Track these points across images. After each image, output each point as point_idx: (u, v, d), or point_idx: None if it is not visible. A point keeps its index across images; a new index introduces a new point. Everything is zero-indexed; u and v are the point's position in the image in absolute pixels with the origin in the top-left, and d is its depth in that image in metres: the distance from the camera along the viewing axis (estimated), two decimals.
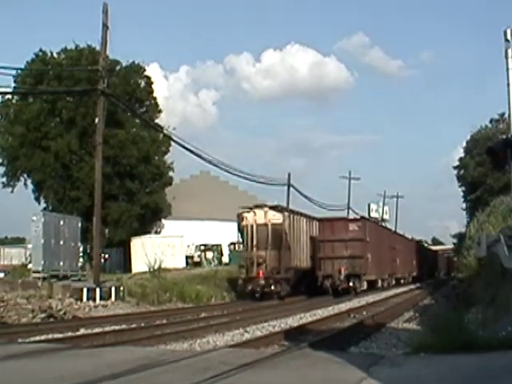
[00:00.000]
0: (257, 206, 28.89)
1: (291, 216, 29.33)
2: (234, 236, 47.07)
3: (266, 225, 27.68)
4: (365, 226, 30.83)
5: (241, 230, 28.77)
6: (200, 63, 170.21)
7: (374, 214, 69.83)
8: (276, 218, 28.05)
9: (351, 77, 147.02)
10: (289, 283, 28.11)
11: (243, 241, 28.72)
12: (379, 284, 32.68)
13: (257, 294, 26.79)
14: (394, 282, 36.71)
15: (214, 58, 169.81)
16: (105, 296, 22.49)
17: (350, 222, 31.59)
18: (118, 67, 41.03)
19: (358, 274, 29.05)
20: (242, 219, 28.51)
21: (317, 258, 29.89)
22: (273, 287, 27.11)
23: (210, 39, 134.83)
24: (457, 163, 55.30)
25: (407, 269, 42.21)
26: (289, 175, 43.72)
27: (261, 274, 26.96)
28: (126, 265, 40.98)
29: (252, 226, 27.79)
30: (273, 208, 28.96)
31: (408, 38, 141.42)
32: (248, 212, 28.40)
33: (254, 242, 27.64)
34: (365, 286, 29.74)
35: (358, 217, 36.94)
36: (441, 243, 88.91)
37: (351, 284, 28.81)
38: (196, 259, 45.89)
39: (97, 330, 15.36)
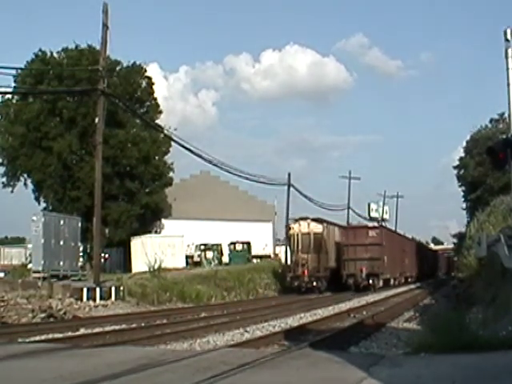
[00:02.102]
0: (301, 219, 35.23)
1: (328, 226, 35.94)
2: (234, 236, 47.47)
3: (308, 234, 33.89)
4: (382, 233, 35.98)
5: (288, 237, 35.33)
6: (199, 64, 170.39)
7: (374, 214, 69.88)
8: (317, 228, 34.37)
9: (350, 77, 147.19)
10: (326, 280, 34.11)
11: (290, 246, 34.95)
12: (392, 282, 36.92)
13: (302, 289, 32.46)
14: (403, 280, 40.48)
15: (213, 59, 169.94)
16: (105, 296, 22.46)
17: (370, 229, 36.39)
18: (118, 67, 41.02)
19: (376, 273, 33.81)
20: (290, 229, 35.30)
21: (341, 259, 34.86)
22: (314, 283, 33.03)
23: (210, 39, 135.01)
24: (457, 163, 55.32)
25: (414, 268, 45.65)
26: (289, 175, 43.77)
27: (305, 273, 32.81)
28: (126, 265, 40.93)
29: (298, 235, 33.97)
30: (314, 220, 35.18)
31: (407, 39, 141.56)
32: (294, 223, 35.11)
33: (300, 247, 33.67)
34: (381, 283, 34.30)
35: (377, 225, 43.10)
36: (441, 243, 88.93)
37: (371, 282, 33.48)
38: (196, 259, 45.84)
39: (97, 329, 15.35)
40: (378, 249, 34.12)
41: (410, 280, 42.94)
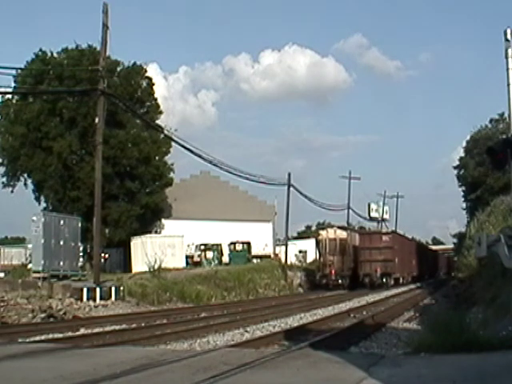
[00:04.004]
0: (329, 226, 44.13)
1: (350, 233, 42.20)
2: (234, 236, 47.44)
3: (335, 239, 40.06)
4: (394, 238, 41.14)
5: (317, 242, 42.28)
6: (199, 64, 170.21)
7: (374, 214, 69.89)
8: (342, 234, 40.81)
9: (350, 77, 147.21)
10: (349, 278, 39.32)
11: (319, 250, 41.49)
12: (401, 281, 41.03)
13: (330, 286, 37.61)
14: (410, 279, 43.97)
15: (212, 59, 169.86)
16: (105, 296, 22.44)
17: (383, 234, 42.14)
18: (119, 68, 41.00)
19: (389, 273, 38.54)
20: (319, 235, 42.41)
21: (358, 261, 39.51)
22: (340, 281, 38.58)
23: (209, 40, 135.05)
24: (457, 163, 55.32)
25: (419, 268, 48.76)
26: (289, 175, 43.68)
27: (332, 272, 38.62)
28: (126, 265, 40.92)
29: (326, 240, 40.16)
30: (340, 227, 42.98)
31: (406, 39, 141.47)
32: (323, 230, 42.65)
33: (327, 251, 39.68)
34: (392, 282, 38.86)
35: (390, 231, 48.34)
36: (441, 243, 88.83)
37: (384, 280, 38.14)
38: (196, 259, 45.81)
39: (97, 329, 15.35)
40: (390, 252, 38.69)
41: (415, 279, 45.86)
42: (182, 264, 40.36)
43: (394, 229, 60.87)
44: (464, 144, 53.43)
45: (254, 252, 48.46)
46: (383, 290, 34.54)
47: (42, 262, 24.83)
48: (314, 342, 11.21)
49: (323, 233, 41.43)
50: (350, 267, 39.72)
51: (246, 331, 15.07)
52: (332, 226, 42.82)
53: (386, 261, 38.39)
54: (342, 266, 39.30)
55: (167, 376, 7.23)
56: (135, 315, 19.76)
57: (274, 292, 35.97)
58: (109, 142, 34.86)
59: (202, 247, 46.11)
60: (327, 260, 39.29)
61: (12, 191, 40.38)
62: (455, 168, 55.45)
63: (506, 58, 11.56)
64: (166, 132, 34.79)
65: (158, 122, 40.39)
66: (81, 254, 31.68)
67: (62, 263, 25.97)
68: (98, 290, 22.24)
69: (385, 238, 40.32)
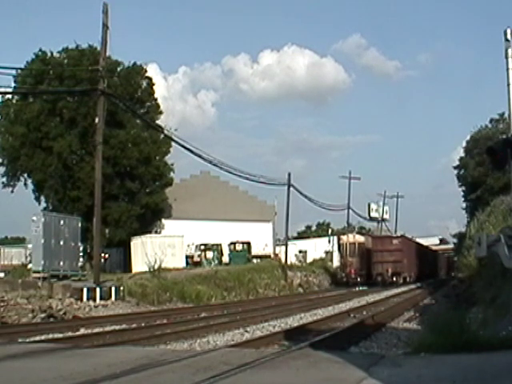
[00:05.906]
0: (349, 232, 50.36)
1: (367, 237, 47.57)
2: (234, 236, 47.47)
3: (354, 243, 45.23)
4: (403, 241, 45.87)
5: (339, 245, 47.41)
6: (198, 64, 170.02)
7: (374, 214, 69.89)
8: (360, 239, 46.14)
9: (349, 78, 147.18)
10: (366, 277, 44.07)
11: (340, 252, 46.77)
12: (408, 279, 44.63)
13: (350, 283, 42.54)
14: (415, 278, 46.80)
15: (211, 60, 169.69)
16: (105, 296, 22.44)
17: (394, 238, 46.93)
18: (119, 68, 41.00)
19: (399, 272, 43.37)
20: (340, 239, 47.61)
21: (371, 262, 44.16)
22: (359, 279, 43.47)
23: (208, 40, 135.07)
24: (457, 163, 55.30)
25: (421, 268, 51.26)
26: (289, 175, 43.65)
27: (352, 272, 43.99)
28: (126, 265, 40.93)
29: (346, 244, 45.46)
30: (358, 233, 50.70)
31: (405, 39, 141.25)
32: (343, 235, 47.95)
33: (348, 253, 44.87)
34: (401, 280, 43.13)
35: (399, 235, 52.11)
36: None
37: (394, 279, 42.84)
38: (196, 259, 45.82)
39: (97, 329, 15.36)
40: (400, 254, 43.17)
41: (419, 278, 48.11)
42: (182, 264, 40.34)
43: (393, 229, 63.43)
44: (464, 144, 53.43)
45: (254, 252, 48.47)
46: (394, 287, 38.33)
47: (42, 262, 24.81)
48: (314, 342, 11.20)
49: (344, 237, 46.59)
50: (366, 267, 44.52)
51: (246, 331, 15.07)
52: (352, 231, 50.40)
53: (396, 262, 42.87)
54: (360, 266, 44.21)
55: (167, 376, 7.23)
56: (135, 315, 19.76)
57: (274, 292, 35.97)
58: (109, 142, 34.87)
59: (202, 247, 46.11)
60: (347, 261, 44.47)
61: (12, 191, 40.46)
62: (455, 168, 55.44)
63: (506, 57, 11.56)
64: (166, 132, 34.82)
65: (157, 122, 40.43)
66: (81, 254, 31.65)
67: (61, 263, 25.97)
68: (97, 289, 22.23)
69: (395, 241, 44.96)
